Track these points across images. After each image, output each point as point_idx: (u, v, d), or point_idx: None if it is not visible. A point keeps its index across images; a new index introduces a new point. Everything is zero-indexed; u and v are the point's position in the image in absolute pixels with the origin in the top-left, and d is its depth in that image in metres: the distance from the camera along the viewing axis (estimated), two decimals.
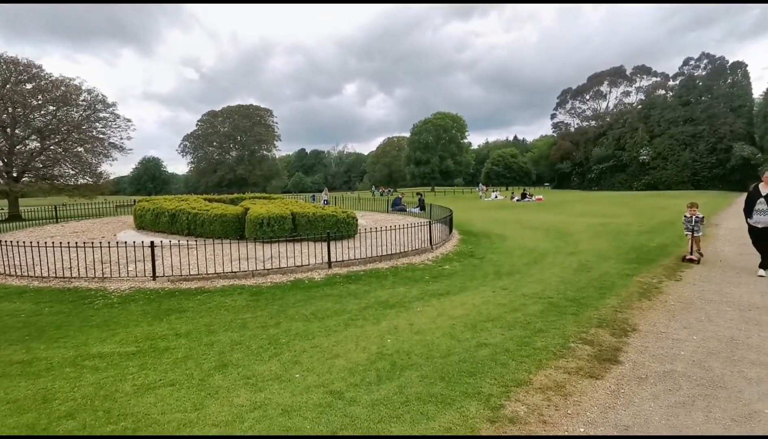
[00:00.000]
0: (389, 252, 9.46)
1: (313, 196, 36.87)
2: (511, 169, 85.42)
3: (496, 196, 41.30)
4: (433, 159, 71.87)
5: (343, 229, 11.14)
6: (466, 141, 79.66)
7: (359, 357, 4.05)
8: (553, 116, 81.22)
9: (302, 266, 8.13)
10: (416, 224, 10.74)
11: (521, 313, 5.25)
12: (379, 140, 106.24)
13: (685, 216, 8.45)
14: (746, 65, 57.21)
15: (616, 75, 74.27)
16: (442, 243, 11.06)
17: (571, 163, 74.34)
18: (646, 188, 57.65)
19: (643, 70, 71.65)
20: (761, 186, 7.07)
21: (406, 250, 9.73)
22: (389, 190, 60.41)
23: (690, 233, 8.29)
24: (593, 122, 75.72)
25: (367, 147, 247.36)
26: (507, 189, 64.54)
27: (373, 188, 66.10)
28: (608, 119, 72.55)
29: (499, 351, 4.00)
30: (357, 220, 11.77)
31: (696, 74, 61.50)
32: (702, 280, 6.83)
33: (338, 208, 11.95)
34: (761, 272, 7.01)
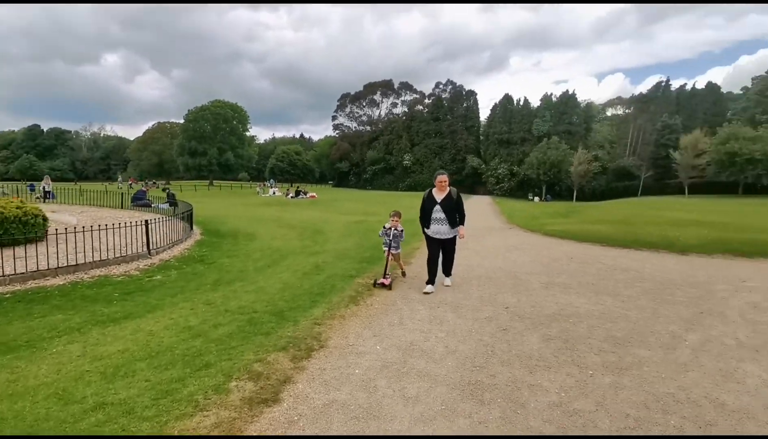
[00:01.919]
0: (85, 260, 7.12)
1: (32, 185, 28.26)
2: (296, 166, 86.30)
3: (274, 193, 40.38)
4: (210, 150, 66.00)
5: (16, 231, 8.04)
6: (249, 134, 76.25)
7: None
8: (334, 118, 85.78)
9: None
10: (132, 224, 8.58)
11: (203, 338, 4.16)
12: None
13: (384, 227, 6.63)
14: (476, 94, 72.50)
15: (387, 87, 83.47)
16: (171, 246, 9.20)
17: (349, 164, 79.99)
18: (408, 189, 66.58)
19: (407, 87, 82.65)
20: (435, 192, 6.14)
21: (107, 258, 7.53)
22: (152, 183, 52.28)
23: (387, 249, 6.44)
24: (368, 127, 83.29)
25: (136, 131, 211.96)
26: (292, 186, 64.64)
27: (120, 180, 55.92)
28: (380, 126, 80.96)
29: (115, 416, 2.76)
30: (43, 218, 8.74)
31: (443, 96, 74.50)
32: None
33: (9, 202, 8.58)
34: (428, 288, 6.00)
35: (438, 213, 6.06)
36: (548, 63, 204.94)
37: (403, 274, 7.03)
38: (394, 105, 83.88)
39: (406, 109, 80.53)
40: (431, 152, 70.92)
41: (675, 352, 3.96)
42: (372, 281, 6.39)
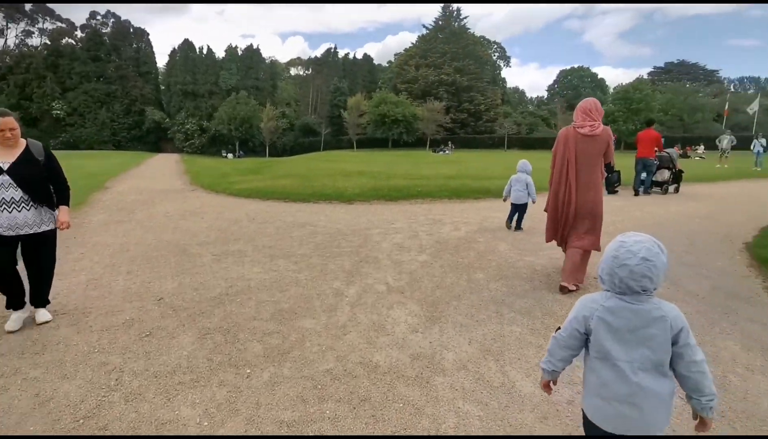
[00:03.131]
0: None
1: None
2: None
3: None
4: None
5: None
6: None
7: None
8: None
9: None
10: None
11: None
12: None
13: None
14: (148, 34, 62.26)
15: (13, 8, 60.68)
16: None
17: None
18: (66, 147, 52.17)
19: (47, 12, 62.59)
20: None
21: None
22: None
23: None
24: None
25: None
26: None
27: None
28: (8, 60, 58.82)
29: None
30: None
31: (104, 31, 60.51)
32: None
33: None
34: (11, 321, 3.47)
35: (5, 190, 3.28)
36: (232, 14, 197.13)
37: None
38: (28, 34, 62.34)
39: (47, 42, 61.06)
40: (95, 101, 57.01)
41: (336, 314, 3.85)
42: None
